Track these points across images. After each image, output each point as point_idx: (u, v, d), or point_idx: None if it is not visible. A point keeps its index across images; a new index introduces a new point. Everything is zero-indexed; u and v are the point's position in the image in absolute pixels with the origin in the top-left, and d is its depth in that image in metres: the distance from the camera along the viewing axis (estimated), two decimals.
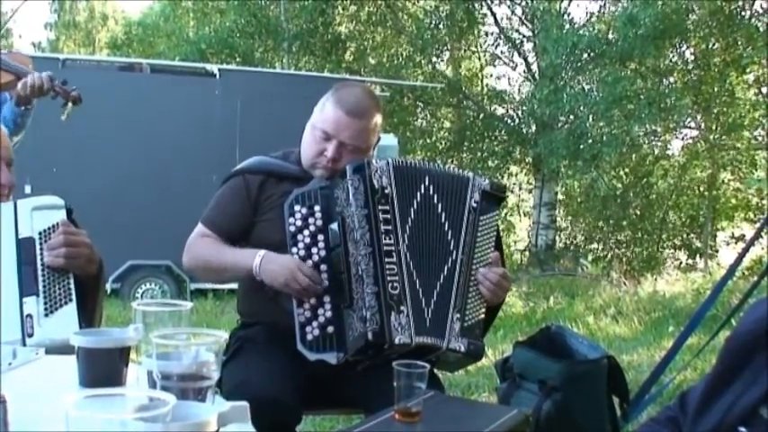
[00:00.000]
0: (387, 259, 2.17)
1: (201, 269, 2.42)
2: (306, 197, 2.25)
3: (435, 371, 2.29)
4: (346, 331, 2.16)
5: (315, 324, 2.19)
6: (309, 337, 2.19)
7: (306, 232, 2.23)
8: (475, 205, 2.32)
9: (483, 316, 2.30)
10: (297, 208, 2.24)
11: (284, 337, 2.20)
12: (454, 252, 2.27)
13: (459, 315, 2.23)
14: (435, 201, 2.29)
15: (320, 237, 2.22)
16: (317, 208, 2.23)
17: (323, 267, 2.21)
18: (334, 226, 2.20)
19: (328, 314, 2.19)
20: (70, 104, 3.43)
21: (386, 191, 2.22)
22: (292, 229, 2.23)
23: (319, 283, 2.18)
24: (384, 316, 2.12)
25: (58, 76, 3.41)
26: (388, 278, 2.15)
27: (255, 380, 2.11)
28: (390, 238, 2.19)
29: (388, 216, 2.21)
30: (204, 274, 2.45)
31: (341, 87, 2.40)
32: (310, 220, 2.23)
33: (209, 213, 2.43)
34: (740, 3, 13.54)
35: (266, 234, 2.34)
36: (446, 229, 2.29)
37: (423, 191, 2.28)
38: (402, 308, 2.15)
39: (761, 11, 13.73)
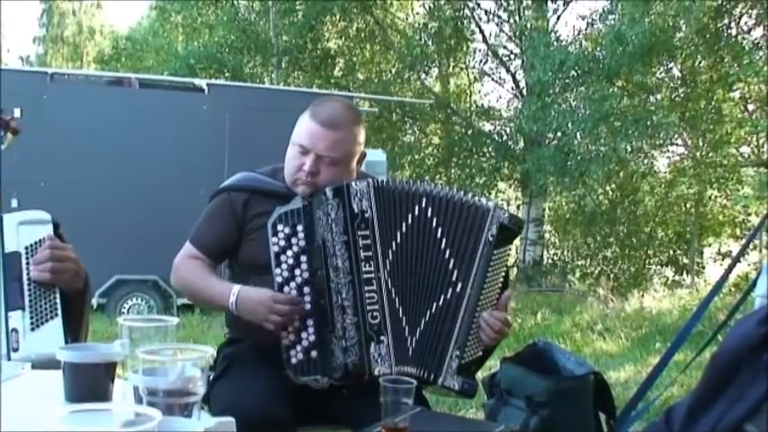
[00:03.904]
0: (366, 287, 2.16)
1: (187, 296, 2.48)
2: (288, 216, 2.21)
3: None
4: (329, 357, 2.15)
5: (299, 348, 2.17)
6: (294, 360, 2.17)
7: (289, 253, 2.19)
8: (491, 239, 2.22)
9: (481, 353, 2.25)
10: (280, 227, 2.20)
11: (272, 354, 2.19)
12: (459, 284, 2.21)
13: (458, 352, 2.20)
14: (434, 225, 2.23)
15: (303, 258, 2.19)
16: (299, 227, 2.20)
17: (306, 290, 2.18)
18: (316, 248, 2.18)
19: (312, 338, 2.17)
20: (9, 135, 3.35)
21: (366, 215, 2.18)
22: (276, 249, 2.20)
23: (300, 305, 2.16)
24: (363, 347, 2.13)
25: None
26: (368, 307, 2.15)
27: (246, 400, 2.09)
28: (371, 265, 2.17)
29: (368, 242, 2.18)
30: (191, 300, 2.52)
31: (318, 102, 2.36)
32: (293, 240, 2.19)
33: (196, 232, 2.42)
34: (726, 21, 13.66)
35: (253, 255, 2.32)
36: (446, 256, 2.22)
37: (417, 213, 2.22)
38: (382, 338, 2.15)
39: (746, 28, 13.85)
